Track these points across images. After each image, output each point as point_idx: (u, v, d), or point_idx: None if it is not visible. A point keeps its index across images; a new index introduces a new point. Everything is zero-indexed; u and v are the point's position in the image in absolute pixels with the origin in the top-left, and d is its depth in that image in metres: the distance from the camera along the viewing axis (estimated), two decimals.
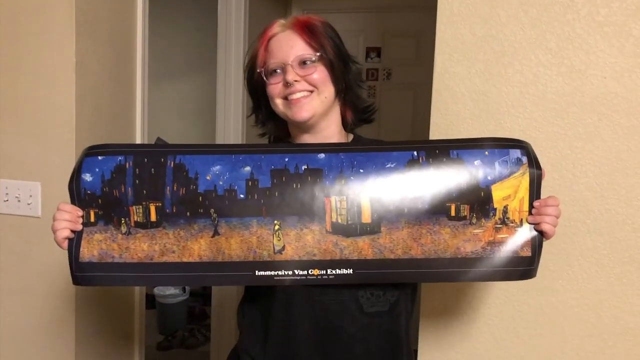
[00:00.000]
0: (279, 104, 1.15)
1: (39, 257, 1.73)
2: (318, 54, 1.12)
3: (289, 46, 1.12)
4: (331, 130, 1.20)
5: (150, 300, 3.44)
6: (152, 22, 2.03)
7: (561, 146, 1.28)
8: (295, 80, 1.10)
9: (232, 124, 2.71)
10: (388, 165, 1.06)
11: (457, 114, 1.34)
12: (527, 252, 1.05)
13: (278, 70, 1.13)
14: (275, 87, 1.14)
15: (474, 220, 1.05)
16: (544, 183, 1.26)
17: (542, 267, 1.31)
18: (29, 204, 1.71)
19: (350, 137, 1.26)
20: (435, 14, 1.33)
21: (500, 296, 1.37)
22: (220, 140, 2.77)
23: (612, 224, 1.28)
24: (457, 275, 1.06)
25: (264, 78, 1.15)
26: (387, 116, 3.34)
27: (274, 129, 1.25)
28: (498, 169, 1.05)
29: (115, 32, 1.82)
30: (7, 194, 1.73)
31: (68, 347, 1.77)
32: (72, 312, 1.74)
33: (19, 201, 1.72)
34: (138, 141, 2.00)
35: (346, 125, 1.24)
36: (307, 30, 1.13)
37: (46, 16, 1.63)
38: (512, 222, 1.05)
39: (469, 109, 1.33)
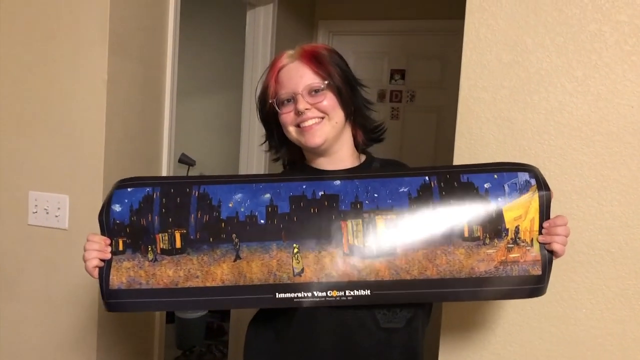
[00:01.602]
0: (292, 131, 1.19)
1: (64, 268, 1.76)
2: (326, 82, 1.16)
3: (298, 76, 1.17)
4: (344, 152, 1.24)
5: (170, 315, 3.46)
6: (182, 41, 2.07)
7: (587, 174, 1.27)
8: (306, 109, 1.15)
9: (256, 141, 2.74)
10: (402, 190, 1.10)
11: (482, 139, 1.34)
12: (538, 271, 1.08)
13: (289, 100, 1.17)
14: (287, 116, 1.18)
15: (487, 241, 1.08)
16: (568, 209, 1.26)
17: (565, 296, 1.31)
18: (56, 216, 1.75)
19: (363, 157, 1.29)
20: (460, 38, 1.34)
21: (522, 323, 1.35)
22: (244, 155, 2.80)
23: (638, 254, 1.26)
24: (470, 294, 1.09)
25: (276, 108, 1.19)
26: (410, 138, 3.35)
27: (287, 153, 1.30)
28: (507, 190, 1.08)
29: (146, 50, 1.87)
30: (36, 205, 1.77)
31: (89, 359, 1.79)
32: (95, 324, 1.77)
33: (47, 213, 1.76)
34: (165, 155, 2.03)
35: (357, 146, 1.27)
36: (314, 60, 1.17)
37: (80, 35, 1.68)
38: (524, 242, 1.09)
39: (494, 134, 1.33)
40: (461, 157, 1.36)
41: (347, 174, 1.16)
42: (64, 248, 1.75)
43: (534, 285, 1.09)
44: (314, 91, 1.16)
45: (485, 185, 1.09)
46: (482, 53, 1.33)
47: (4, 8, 1.76)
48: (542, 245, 1.08)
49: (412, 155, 3.20)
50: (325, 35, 3.44)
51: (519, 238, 1.08)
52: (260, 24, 2.69)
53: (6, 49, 1.77)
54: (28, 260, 1.81)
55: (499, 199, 1.08)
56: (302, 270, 1.08)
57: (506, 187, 1.08)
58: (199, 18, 3.85)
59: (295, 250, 1.08)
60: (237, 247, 1.09)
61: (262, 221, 1.10)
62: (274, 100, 1.20)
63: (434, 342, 1.44)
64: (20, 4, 1.74)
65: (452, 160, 1.37)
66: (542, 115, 1.29)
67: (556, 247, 1.07)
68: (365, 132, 1.27)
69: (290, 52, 1.21)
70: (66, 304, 1.78)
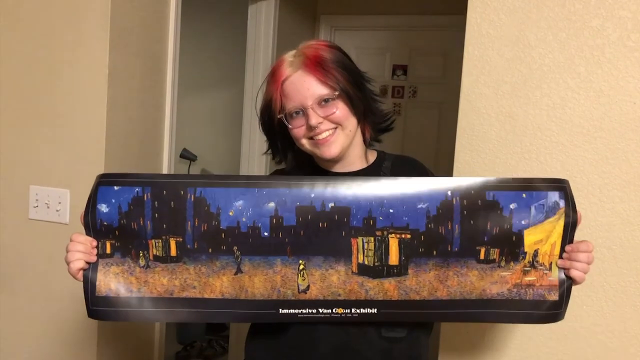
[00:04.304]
0: (305, 144, 1.15)
1: (65, 263, 1.76)
2: (336, 92, 1.11)
3: (305, 88, 1.11)
4: (355, 154, 1.20)
5: None
6: (183, 36, 2.07)
7: (588, 171, 1.27)
8: (319, 123, 1.10)
9: (257, 136, 2.74)
10: (420, 206, 1.01)
11: (483, 135, 1.34)
12: (555, 297, 1.03)
13: (298, 112, 1.12)
14: (299, 131, 1.14)
15: (503, 264, 1.02)
16: None
17: None
18: (57, 211, 1.75)
19: (373, 155, 1.25)
20: (462, 33, 1.34)
21: None
22: (245, 150, 2.80)
23: (639, 251, 1.26)
24: (480, 316, 1.06)
25: (286, 123, 1.15)
26: (412, 134, 3.34)
27: (293, 159, 1.25)
28: (533, 213, 1.01)
29: (147, 45, 1.86)
30: (37, 200, 1.77)
31: (90, 355, 1.79)
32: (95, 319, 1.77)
33: (48, 207, 1.76)
34: (165, 150, 2.03)
35: (365, 141, 1.23)
36: (319, 68, 1.10)
37: (81, 29, 1.68)
38: (541, 266, 1.03)
39: (495, 130, 1.33)
40: (462, 153, 1.36)
41: (361, 179, 1.05)
42: (65, 242, 1.72)
43: (550, 311, 1.03)
44: (323, 101, 1.11)
45: (511, 206, 1.00)
46: (484, 49, 1.32)
47: (5, 2, 1.75)
48: (561, 270, 1.03)
49: (414, 152, 3.18)
50: (327, 30, 3.43)
51: (537, 261, 1.02)
52: (262, 19, 2.68)
53: (7, 44, 1.76)
54: (29, 254, 1.81)
55: (523, 221, 1.01)
56: (308, 287, 1.03)
57: (533, 209, 1.01)
58: (200, 12, 3.84)
59: (301, 266, 1.03)
60: (239, 260, 1.03)
61: (266, 234, 1.01)
62: (283, 115, 1.14)
63: (432, 340, 1.43)
64: None
65: (452, 156, 1.37)
66: (544, 111, 1.29)
67: (575, 273, 1.01)
68: (374, 125, 1.22)
69: (290, 58, 1.14)
70: (67, 298, 1.78)
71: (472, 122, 1.34)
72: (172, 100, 2.01)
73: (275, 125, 1.18)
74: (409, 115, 3.39)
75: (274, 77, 1.15)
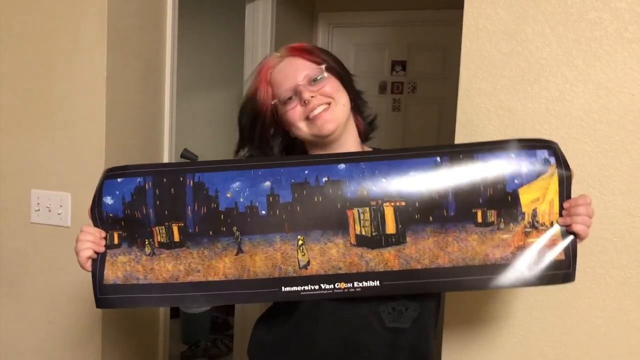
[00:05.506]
0: (302, 126, 1.15)
1: (68, 266, 1.76)
2: (323, 66, 1.14)
3: (294, 70, 1.14)
4: (350, 143, 1.20)
5: (174, 310, 3.47)
6: (181, 36, 2.07)
7: (588, 163, 1.27)
8: (312, 96, 1.12)
9: None
10: (411, 173, 1.04)
11: (482, 130, 1.33)
12: (561, 256, 1.02)
13: (290, 98, 1.14)
14: (294, 112, 1.14)
15: (502, 226, 1.03)
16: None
17: (568, 286, 1.29)
18: (59, 214, 1.75)
19: (368, 149, 1.26)
20: (460, 28, 1.33)
21: (525, 313, 1.35)
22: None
23: None
24: (486, 282, 1.04)
25: (279, 109, 1.16)
26: (412, 130, 3.34)
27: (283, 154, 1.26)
28: (525, 171, 1.02)
29: (145, 46, 1.86)
30: (38, 203, 1.77)
31: (94, 357, 1.80)
32: (99, 320, 1.77)
33: (49, 211, 1.76)
34: (166, 151, 2.03)
35: (361, 136, 1.24)
36: (304, 52, 1.16)
37: (79, 32, 1.68)
38: (542, 226, 1.02)
39: (494, 124, 1.33)
40: None
41: (351, 156, 1.09)
42: (67, 245, 1.73)
43: (560, 271, 1.02)
44: (313, 80, 1.13)
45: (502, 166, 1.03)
46: (481, 43, 1.32)
47: (3, 6, 1.75)
48: (564, 227, 1.02)
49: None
50: (325, 27, 3.43)
51: (537, 221, 1.02)
52: (260, 18, 2.68)
53: (6, 48, 1.77)
54: (31, 258, 1.82)
55: (515, 181, 1.01)
56: (308, 262, 1.04)
57: (524, 167, 1.02)
58: (197, 13, 3.84)
59: (300, 242, 1.04)
60: (239, 240, 1.05)
61: (264, 212, 1.04)
62: (276, 101, 1.16)
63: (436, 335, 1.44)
64: (19, 2, 1.74)
65: None
66: (543, 104, 1.29)
67: (578, 227, 1.00)
68: (364, 119, 1.24)
69: (276, 53, 1.19)
70: (70, 300, 1.78)
71: (471, 117, 1.34)
72: (172, 101, 2.01)
73: (263, 117, 1.19)
74: (409, 111, 3.39)
75: (259, 71, 1.19)
